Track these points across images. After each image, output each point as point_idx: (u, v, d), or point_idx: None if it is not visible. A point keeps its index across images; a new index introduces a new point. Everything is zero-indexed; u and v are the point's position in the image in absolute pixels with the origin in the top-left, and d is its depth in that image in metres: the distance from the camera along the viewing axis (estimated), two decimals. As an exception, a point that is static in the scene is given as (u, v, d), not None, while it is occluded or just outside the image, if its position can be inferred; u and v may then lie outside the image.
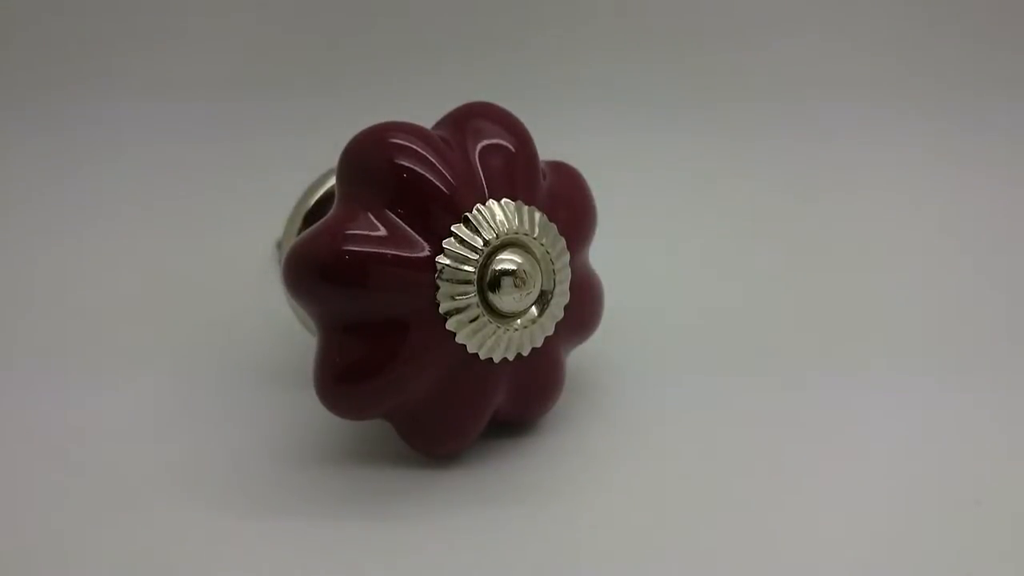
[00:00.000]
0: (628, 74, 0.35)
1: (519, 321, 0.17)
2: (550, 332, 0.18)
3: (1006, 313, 0.25)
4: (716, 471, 0.18)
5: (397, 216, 0.16)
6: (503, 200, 0.17)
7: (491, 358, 0.17)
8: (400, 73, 0.36)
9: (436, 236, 0.16)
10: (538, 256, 0.17)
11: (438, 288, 0.16)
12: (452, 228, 0.16)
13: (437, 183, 0.16)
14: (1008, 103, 0.35)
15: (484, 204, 0.16)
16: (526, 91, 0.20)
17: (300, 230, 0.20)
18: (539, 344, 0.17)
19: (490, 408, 0.18)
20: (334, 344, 0.16)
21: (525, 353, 0.17)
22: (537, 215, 0.17)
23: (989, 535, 0.16)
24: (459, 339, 0.16)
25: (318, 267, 0.16)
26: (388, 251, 0.16)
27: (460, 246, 0.16)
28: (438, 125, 0.18)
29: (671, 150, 0.34)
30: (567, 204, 0.19)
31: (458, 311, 0.16)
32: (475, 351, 0.16)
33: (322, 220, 0.16)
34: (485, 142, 0.17)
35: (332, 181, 0.20)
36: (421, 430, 0.18)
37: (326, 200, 0.20)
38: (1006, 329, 0.24)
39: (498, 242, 0.16)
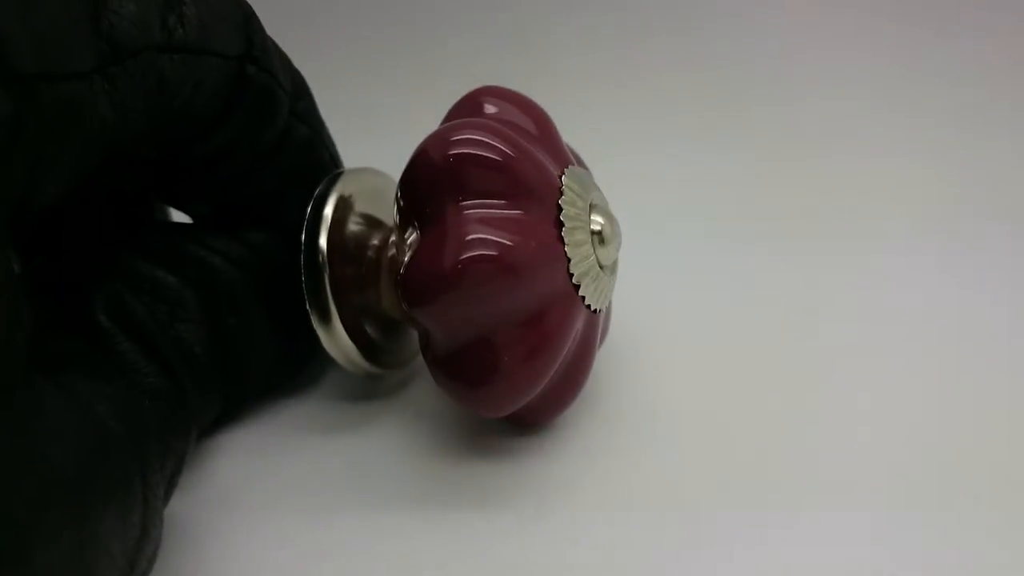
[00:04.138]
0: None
1: (607, 268, 0.18)
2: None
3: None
4: (718, 471, 0.18)
5: (500, 203, 0.16)
6: (570, 168, 0.18)
7: (598, 309, 0.18)
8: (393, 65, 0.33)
9: (545, 210, 0.17)
10: (603, 208, 0.19)
11: (569, 260, 0.17)
12: (559, 202, 0.17)
13: (540, 160, 0.17)
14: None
15: (565, 174, 0.17)
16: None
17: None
18: (613, 289, 0.19)
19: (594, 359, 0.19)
20: (489, 347, 0.16)
21: (610, 299, 0.19)
22: (589, 174, 0.19)
23: (987, 532, 0.17)
24: (587, 299, 0.17)
25: (493, 271, 0.16)
26: (530, 238, 0.16)
27: (573, 209, 0.17)
28: (457, 114, 0.18)
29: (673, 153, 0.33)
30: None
31: (585, 274, 0.17)
32: (595, 306, 0.18)
33: (437, 236, 0.16)
34: (528, 118, 0.18)
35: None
36: (545, 402, 0.18)
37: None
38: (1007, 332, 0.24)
39: (589, 203, 0.18)
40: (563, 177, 0.17)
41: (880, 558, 0.16)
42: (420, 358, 0.21)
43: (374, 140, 0.24)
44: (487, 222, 0.16)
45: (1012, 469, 0.18)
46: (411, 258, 0.16)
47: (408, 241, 0.17)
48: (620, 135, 0.33)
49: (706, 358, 0.22)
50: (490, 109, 0.18)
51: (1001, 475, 0.18)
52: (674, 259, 0.28)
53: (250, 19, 0.17)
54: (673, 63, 0.35)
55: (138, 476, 0.13)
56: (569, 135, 0.20)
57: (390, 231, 0.20)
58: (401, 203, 0.17)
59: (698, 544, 0.16)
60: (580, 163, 0.20)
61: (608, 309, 0.20)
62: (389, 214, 0.20)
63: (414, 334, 0.22)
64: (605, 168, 0.22)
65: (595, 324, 0.19)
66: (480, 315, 0.16)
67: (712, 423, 0.20)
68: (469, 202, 0.16)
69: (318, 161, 0.20)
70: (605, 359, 0.22)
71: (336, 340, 0.19)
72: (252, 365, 0.19)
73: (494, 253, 0.16)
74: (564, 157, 0.18)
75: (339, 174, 0.19)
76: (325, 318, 0.18)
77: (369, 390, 0.21)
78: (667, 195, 0.31)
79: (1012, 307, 0.25)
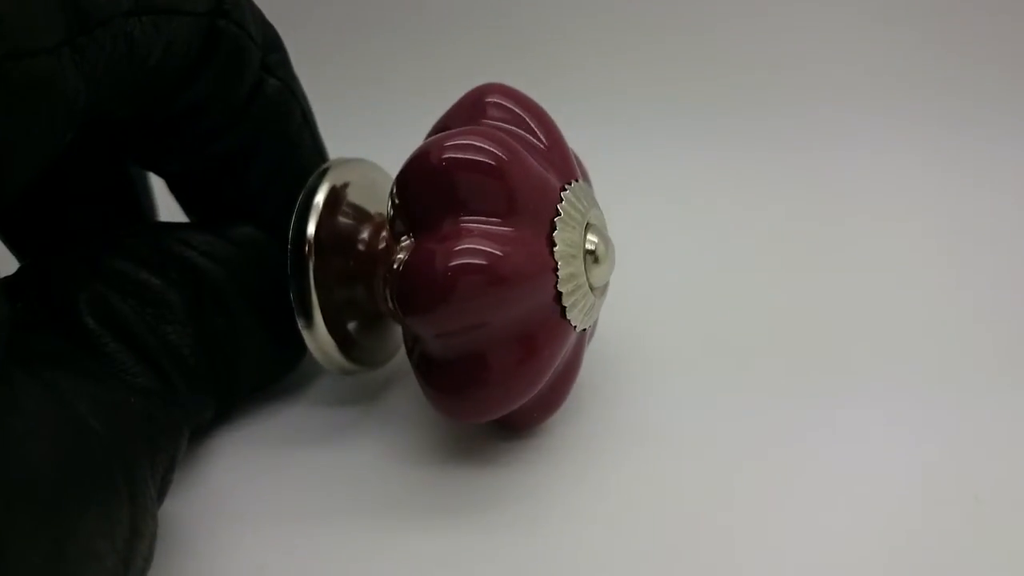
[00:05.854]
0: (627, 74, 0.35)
1: (598, 289, 0.18)
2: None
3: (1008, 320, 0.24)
4: (715, 475, 0.18)
5: (495, 214, 0.16)
6: (574, 182, 0.18)
7: (585, 328, 0.18)
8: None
9: (539, 225, 0.16)
10: (600, 228, 0.18)
11: (559, 278, 0.16)
12: (555, 220, 0.17)
13: (540, 175, 0.17)
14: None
15: (567, 188, 0.17)
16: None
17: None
18: (600, 309, 0.19)
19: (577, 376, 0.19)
20: (479, 357, 0.16)
21: (596, 318, 0.19)
22: (591, 191, 0.19)
23: (988, 532, 0.17)
24: (573, 321, 0.17)
25: (489, 279, 0.15)
26: (520, 251, 0.16)
27: (568, 231, 0.17)
28: (460, 109, 0.18)
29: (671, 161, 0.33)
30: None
31: (575, 304, 0.17)
32: (581, 326, 0.18)
33: (430, 244, 0.16)
34: (534, 123, 0.18)
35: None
36: (528, 411, 0.18)
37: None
38: (1007, 336, 0.23)
39: (586, 222, 0.18)
40: (564, 192, 0.17)
41: (880, 559, 0.16)
42: (395, 360, 0.22)
43: (374, 138, 0.24)
44: (480, 234, 0.16)
45: (1012, 469, 0.18)
46: (405, 265, 0.16)
47: (402, 246, 0.17)
48: (616, 136, 0.33)
49: (698, 362, 0.22)
50: (494, 112, 0.18)
51: (1001, 475, 0.18)
52: (667, 263, 0.27)
53: None
54: (672, 63, 0.35)
55: (122, 474, 0.13)
56: (567, 135, 0.19)
57: (382, 224, 0.19)
58: (396, 201, 0.17)
59: (693, 549, 0.16)
60: (583, 172, 0.20)
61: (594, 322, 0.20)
62: (381, 206, 0.20)
63: (394, 333, 0.21)
64: (598, 171, 0.22)
65: (582, 337, 0.19)
66: (470, 324, 0.16)
67: (706, 426, 0.20)
68: (463, 212, 0.16)
69: (290, 114, 0.19)
70: (596, 363, 0.22)
71: (315, 331, 0.18)
72: (242, 364, 0.19)
73: (484, 263, 0.15)
74: (569, 169, 0.18)
75: (331, 165, 0.19)
76: (306, 309, 0.18)
77: (362, 393, 0.21)
78: (662, 199, 0.31)
79: (1014, 308, 0.24)
